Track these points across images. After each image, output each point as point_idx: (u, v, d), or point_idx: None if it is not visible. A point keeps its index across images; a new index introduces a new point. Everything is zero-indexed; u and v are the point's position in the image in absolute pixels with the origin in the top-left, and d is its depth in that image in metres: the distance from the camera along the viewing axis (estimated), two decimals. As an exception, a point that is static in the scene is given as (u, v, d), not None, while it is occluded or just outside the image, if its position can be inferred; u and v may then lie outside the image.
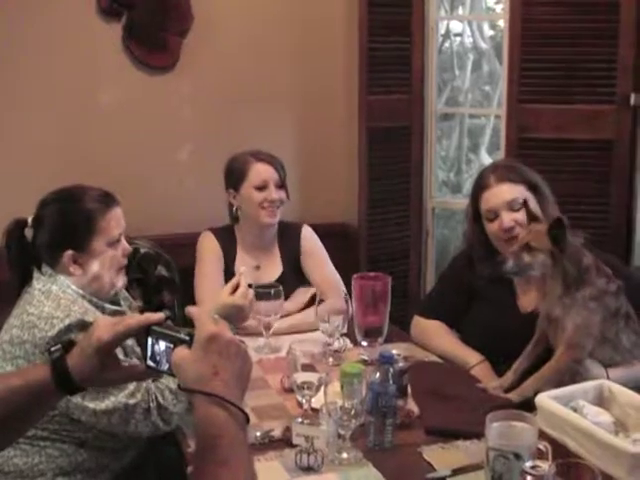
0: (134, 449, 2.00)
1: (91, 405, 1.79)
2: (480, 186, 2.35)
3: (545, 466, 1.39)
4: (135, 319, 1.23)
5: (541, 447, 1.50)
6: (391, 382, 1.80)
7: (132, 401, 1.80)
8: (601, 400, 1.71)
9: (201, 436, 1.07)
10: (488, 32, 5.55)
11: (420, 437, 1.85)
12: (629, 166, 3.07)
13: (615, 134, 3.05)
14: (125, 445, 1.96)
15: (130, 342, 1.81)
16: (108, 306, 1.99)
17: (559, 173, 2.94)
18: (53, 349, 1.23)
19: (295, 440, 1.78)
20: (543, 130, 3.15)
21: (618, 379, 1.85)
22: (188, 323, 1.17)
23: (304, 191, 3.44)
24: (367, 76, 3.45)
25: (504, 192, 2.28)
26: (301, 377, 1.85)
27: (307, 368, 1.90)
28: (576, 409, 1.63)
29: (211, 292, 2.53)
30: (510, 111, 3.23)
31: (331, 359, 2.24)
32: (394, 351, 1.95)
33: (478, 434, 1.66)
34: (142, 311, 2.01)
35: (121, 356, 1.31)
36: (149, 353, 1.21)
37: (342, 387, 1.75)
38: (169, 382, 1.84)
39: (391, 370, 1.82)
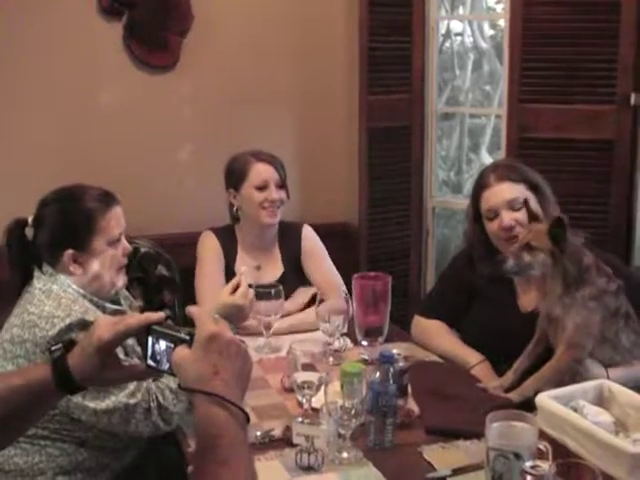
0: (134, 448, 2.01)
1: (91, 404, 1.79)
2: (480, 185, 2.35)
3: (545, 466, 1.39)
4: (135, 318, 1.23)
5: (541, 447, 1.50)
6: (391, 382, 1.80)
7: (132, 401, 1.81)
8: (601, 400, 1.72)
9: (201, 436, 1.07)
10: (488, 32, 5.55)
11: (420, 437, 1.85)
12: (629, 166, 3.07)
13: (615, 134, 3.05)
14: (125, 444, 1.97)
15: (131, 342, 1.82)
16: (109, 305, 2.00)
17: (559, 173, 2.94)
18: (54, 348, 1.23)
19: (295, 440, 1.78)
20: (543, 130, 3.15)
21: (618, 379, 1.85)
22: (188, 323, 1.17)
23: (304, 191, 3.44)
24: (367, 76, 3.45)
25: (504, 191, 2.28)
26: (301, 377, 1.85)
27: (307, 368, 1.90)
28: (576, 409, 1.63)
29: (211, 292, 2.53)
30: (511, 111, 3.23)
31: (331, 359, 2.24)
32: (394, 351, 1.95)
33: (478, 434, 1.66)
34: (142, 310, 2.01)
35: (122, 356, 1.31)
36: (149, 353, 1.21)
37: (342, 387, 1.75)
38: (169, 382, 1.84)
39: (391, 370, 1.82)
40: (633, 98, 2.99)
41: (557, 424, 1.58)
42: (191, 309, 1.19)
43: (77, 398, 1.76)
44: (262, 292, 2.32)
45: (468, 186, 4.82)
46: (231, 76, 3.40)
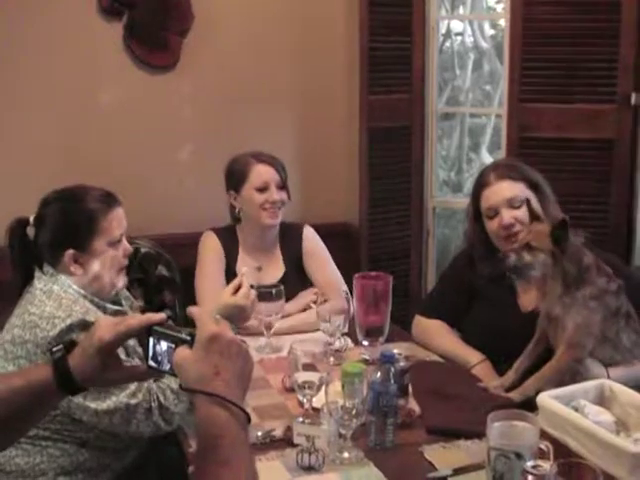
0: (135, 449, 2.01)
1: (93, 405, 1.79)
2: (481, 184, 2.35)
3: (546, 466, 1.39)
4: (136, 319, 1.23)
5: (542, 447, 1.50)
6: (392, 381, 1.80)
7: (133, 401, 1.81)
8: (602, 399, 1.71)
9: (202, 436, 1.07)
10: (489, 31, 5.55)
11: (421, 436, 1.85)
12: (630, 165, 3.07)
13: (616, 133, 3.05)
14: (126, 445, 1.97)
15: (132, 342, 1.82)
16: (109, 306, 2.00)
17: (560, 172, 2.94)
18: (55, 349, 1.23)
19: (296, 440, 1.78)
20: (544, 129, 3.15)
21: (619, 378, 1.85)
22: (189, 323, 1.17)
23: (305, 191, 3.44)
24: (368, 76, 3.45)
25: (504, 190, 2.28)
26: (302, 377, 1.85)
27: (308, 368, 1.90)
28: (577, 409, 1.63)
29: (212, 292, 2.53)
30: (511, 110, 3.23)
31: (332, 359, 2.24)
32: (395, 350, 1.95)
33: (479, 434, 1.66)
34: (143, 311, 2.01)
35: (123, 356, 1.31)
36: (151, 353, 1.21)
37: (343, 387, 1.75)
38: (171, 382, 1.84)
39: (392, 369, 1.82)
40: (633, 98, 3.00)
41: (558, 424, 1.58)
42: (192, 309, 1.19)
43: (78, 399, 1.76)
44: (263, 292, 2.32)
45: (468, 186, 4.82)
46: (231, 76, 3.40)
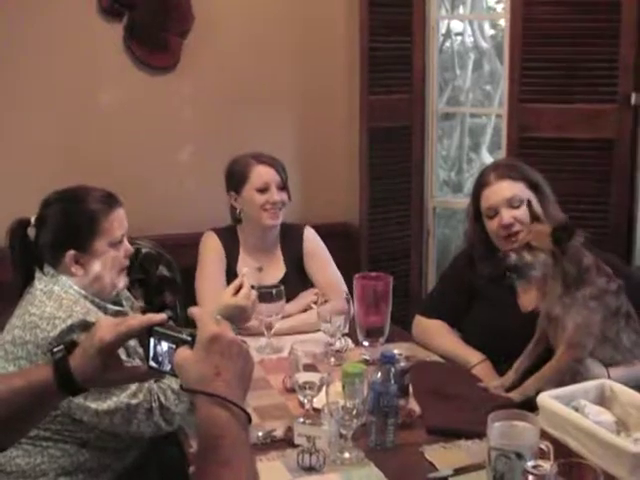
0: (136, 449, 2.01)
1: (93, 405, 1.79)
2: (481, 184, 2.35)
3: (547, 466, 1.39)
4: (137, 320, 1.23)
5: (543, 447, 1.50)
6: (393, 382, 1.80)
7: (134, 401, 1.81)
8: (602, 399, 1.72)
9: (203, 436, 1.07)
10: (489, 31, 5.55)
11: (422, 437, 1.85)
12: (630, 165, 3.07)
13: (616, 133, 3.05)
14: (127, 445, 1.97)
15: (132, 343, 1.81)
16: (110, 307, 2.00)
17: (560, 172, 2.94)
18: (55, 350, 1.23)
19: (297, 440, 1.78)
20: (544, 129, 3.15)
21: (619, 378, 1.85)
22: (190, 324, 1.17)
23: (305, 191, 3.44)
24: (368, 76, 3.45)
25: (504, 189, 2.28)
26: (303, 377, 1.86)
27: (309, 368, 1.90)
28: (577, 409, 1.63)
29: (212, 292, 2.53)
30: (511, 110, 3.23)
31: (333, 359, 2.24)
32: (395, 351, 1.95)
33: (480, 434, 1.66)
34: (144, 311, 2.01)
35: (123, 357, 1.31)
36: (151, 354, 1.21)
37: (344, 387, 1.76)
38: (171, 382, 1.84)
39: (393, 370, 1.82)
40: (633, 98, 3.00)
41: (559, 424, 1.58)
42: (193, 310, 1.19)
43: (79, 399, 1.76)
44: (264, 293, 2.32)
45: (469, 186, 4.82)
46: (232, 77, 3.40)
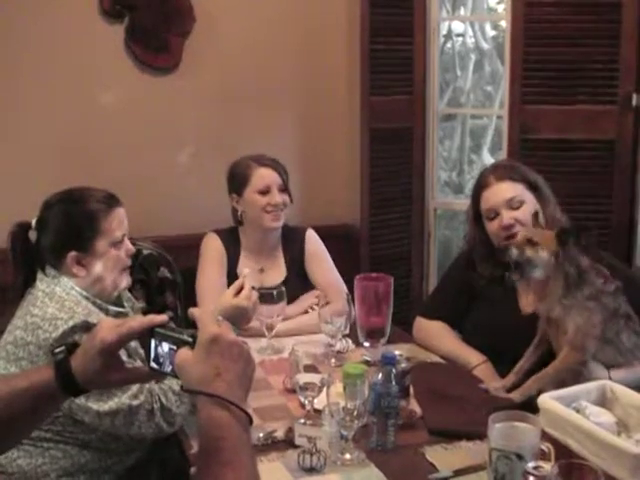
0: (137, 451, 2.01)
1: (95, 406, 1.80)
2: (480, 185, 2.36)
3: (548, 467, 1.40)
4: (138, 321, 1.23)
5: (544, 448, 1.50)
6: (393, 383, 1.80)
7: (135, 402, 1.81)
8: (603, 401, 1.72)
9: (204, 437, 1.07)
10: (490, 32, 5.56)
11: (422, 438, 1.85)
12: (631, 166, 3.07)
13: (617, 134, 3.05)
14: (128, 447, 1.97)
15: (133, 344, 1.81)
16: (112, 308, 2.00)
17: (561, 173, 2.94)
18: (57, 351, 1.23)
19: (298, 441, 1.78)
20: (545, 130, 3.15)
21: (621, 380, 1.85)
22: (191, 325, 1.17)
23: (306, 192, 3.44)
24: (369, 77, 3.46)
25: (503, 190, 2.28)
26: (303, 378, 1.86)
27: (309, 369, 1.90)
28: (579, 410, 1.63)
29: (212, 293, 2.54)
30: (512, 111, 3.23)
31: (333, 360, 2.24)
32: (396, 352, 1.95)
33: (480, 435, 1.66)
34: (145, 312, 2.01)
35: (124, 358, 1.31)
36: (152, 355, 1.21)
37: (344, 388, 1.76)
38: (172, 384, 1.84)
39: (393, 371, 1.82)
40: (635, 99, 3.00)
41: (559, 425, 1.58)
42: (193, 311, 1.19)
43: (80, 400, 1.76)
44: (265, 294, 2.32)
45: (470, 187, 4.81)
46: (233, 78, 3.40)
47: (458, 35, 5.53)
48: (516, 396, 1.99)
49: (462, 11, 5.19)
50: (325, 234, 2.88)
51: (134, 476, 2.00)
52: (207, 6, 3.29)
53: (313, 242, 2.80)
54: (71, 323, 1.82)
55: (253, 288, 2.20)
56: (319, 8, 3.52)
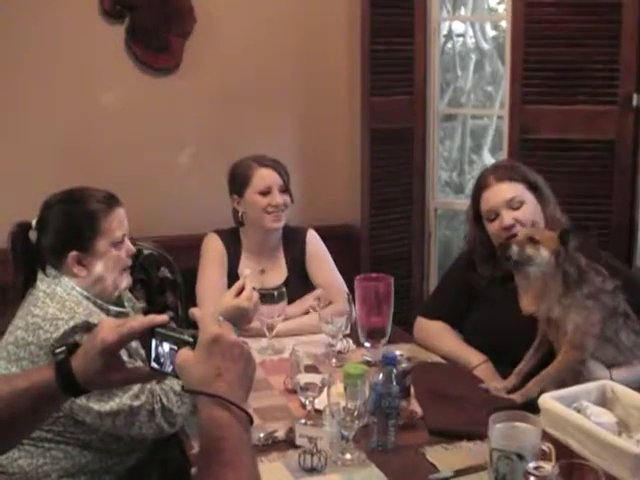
0: (138, 451, 2.01)
1: (95, 406, 1.80)
2: (480, 186, 2.35)
3: (548, 467, 1.40)
4: (139, 321, 1.23)
5: (544, 448, 1.50)
6: (394, 383, 1.80)
7: (136, 403, 1.81)
8: (604, 401, 1.72)
9: (205, 438, 1.07)
10: (490, 33, 5.55)
11: (423, 438, 1.85)
12: (631, 167, 3.07)
13: (617, 135, 3.05)
14: (129, 447, 1.97)
15: (134, 344, 1.82)
16: (112, 308, 2.00)
17: (561, 174, 2.94)
18: (57, 351, 1.23)
19: (298, 441, 1.78)
20: (545, 131, 3.15)
21: (622, 380, 1.85)
22: (191, 325, 1.17)
23: (307, 193, 3.44)
24: (369, 77, 3.46)
25: (503, 191, 2.28)
26: (304, 378, 1.86)
27: (310, 369, 1.90)
28: (579, 410, 1.63)
29: (212, 293, 2.54)
30: (513, 112, 3.23)
31: (334, 360, 2.24)
32: (397, 352, 1.95)
33: (481, 435, 1.66)
34: (146, 313, 2.01)
35: (125, 358, 1.31)
36: (153, 355, 1.21)
37: (345, 388, 1.76)
38: (173, 384, 1.84)
39: (394, 371, 1.82)
40: (635, 99, 3.00)
41: (560, 425, 1.58)
42: (194, 311, 1.19)
43: (81, 400, 1.76)
44: (265, 294, 2.32)
45: (470, 187, 4.81)
46: (233, 78, 3.41)
47: (458, 35, 5.52)
48: (518, 397, 1.99)
49: (462, 11, 5.19)
50: (326, 234, 2.88)
51: (135, 476, 2.00)
52: (207, 7, 3.29)
53: (314, 243, 2.80)
54: (72, 323, 1.82)
55: (254, 289, 2.20)
56: (319, 8, 3.52)
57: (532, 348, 2.12)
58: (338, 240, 3.16)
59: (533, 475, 1.38)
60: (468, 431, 1.81)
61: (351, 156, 3.61)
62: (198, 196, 3.37)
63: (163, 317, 1.22)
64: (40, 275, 1.96)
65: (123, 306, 2.09)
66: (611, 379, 1.89)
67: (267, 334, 2.40)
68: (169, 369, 1.19)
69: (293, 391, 2.00)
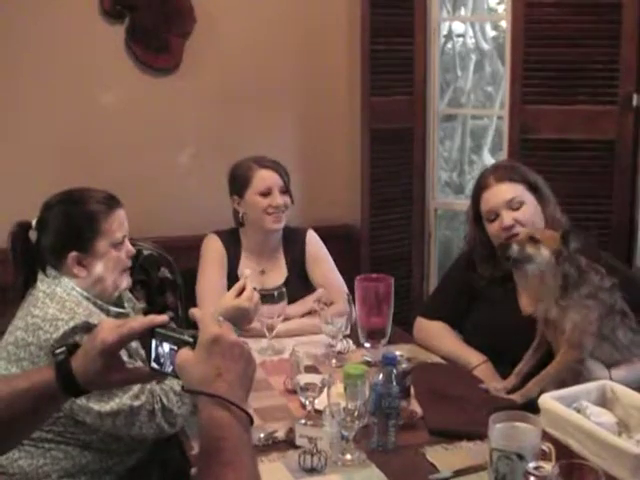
0: (138, 451, 2.01)
1: (96, 407, 1.80)
2: (480, 186, 2.35)
3: (548, 467, 1.39)
4: (139, 321, 1.23)
5: (544, 448, 1.50)
6: (394, 383, 1.80)
7: (137, 403, 1.81)
8: (604, 401, 1.72)
9: (205, 438, 1.07)
10: (490, 33, 5.56)
11: (423, 438, 1.85)
12: (631, 167, 3.07)
13: (617, 135, 3.05)
14: (129, 447, 1.97)
15: (134, 344, 1.82)
16: (112, 308, 2.00)
17: (561, 174, 2.94)
18: (57, 351, 1.23)
19: (298, 441, 1.78)
20: (545, 131, 3.15)
21: (622, 380, 1.85)
22: (191, 325, 1.17)
23: (307, 193, 3.44)
24: (369, 78, 3.46)
25: (503, 191, 2.28)
26: (304, 378, 1.86)
27: (310, 370, 1.90)
28: (579, 410, 1.63)
29: (212, 294, 2.54)
30: (513, 112, 3.23)
31: (334, 360, 2.24)
32: (397, 352, 1.95)
33: (481, 435, 1.66)
34: (146, 313, 2.01)
35: (125, 358, 1.31)
36: (153, 355, 1.21)
37: (345, 388, 1.76)
38: (173, 384, 1.84)
39: (394, 371, 1.82)
40: (635, 99, 3.00)
41: (560, 425, 1.58)
42: (194, 311, 1.19)
43: (81, 400, 1.76)
44: (265, 295, 2.32)
45: (470, 187, 4.81)
46: (233, 78, 3.41)
47: (458, 35, 5.53)
48: (518, 397, 1.99)
49: (462, 11, 5.19)
50: (326, 235, 2.88)
51: (135, 477, 2.00)
52: (207, 7, 3.29)
53: (314, 243, 2.80)
54: (72, 324, 1.82)
55: (254, 289, 2.20)
56: (319, 8, 3.52)
57: (531, 348, 2.12)
58: (338, 240, 3.16)
59: (533, 475, 1.38)
60: (468, 431, 1.81)
61: (351, 156, 3.61)
62: (198, 196, 3.37)
63: (163, 317, 1.22)
64: (40, 275, 1.96)
65: (123, 307, 2.09)
66: (611, 379, 1.89)
67: (267, 334, 2.40)
68: (169, 369, 1.19)
69: (293, 391, 2.00)
